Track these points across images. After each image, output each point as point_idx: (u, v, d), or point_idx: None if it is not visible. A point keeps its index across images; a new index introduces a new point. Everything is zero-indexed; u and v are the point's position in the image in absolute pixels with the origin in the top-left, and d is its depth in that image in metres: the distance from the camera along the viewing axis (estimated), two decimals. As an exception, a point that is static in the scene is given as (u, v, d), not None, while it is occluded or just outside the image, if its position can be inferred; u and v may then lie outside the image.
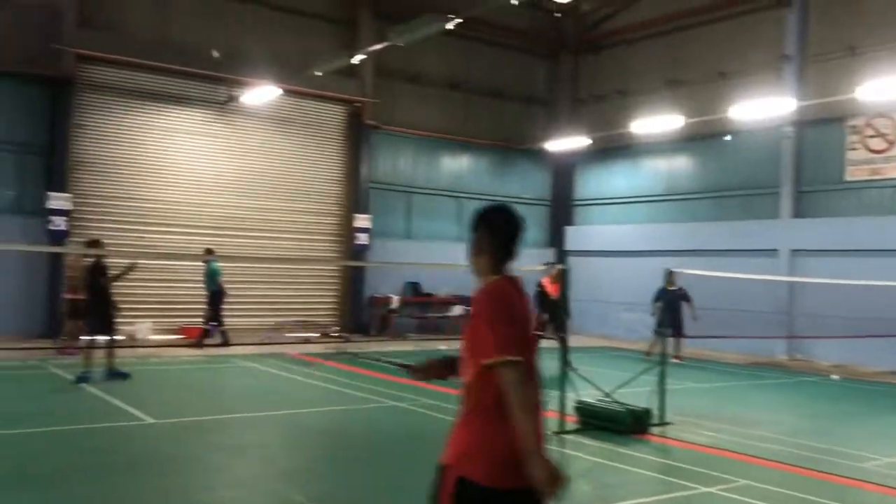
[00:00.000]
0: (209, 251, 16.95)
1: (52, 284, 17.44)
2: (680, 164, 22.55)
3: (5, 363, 13.37)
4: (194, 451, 7.96)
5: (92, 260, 11.93)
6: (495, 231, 3.40)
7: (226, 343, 17.07)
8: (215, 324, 17.27)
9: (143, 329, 17.94)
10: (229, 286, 18.30)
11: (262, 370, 13.98)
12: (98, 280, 11.64)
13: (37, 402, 10.35)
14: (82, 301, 12.25)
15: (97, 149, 18.29)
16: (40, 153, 17.68)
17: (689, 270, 13.59)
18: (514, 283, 3.37)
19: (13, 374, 12.49)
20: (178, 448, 8.00)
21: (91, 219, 17.99)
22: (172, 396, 11.13)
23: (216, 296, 17.30)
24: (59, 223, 17.21)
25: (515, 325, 3.19)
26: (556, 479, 2.97)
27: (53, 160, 17.57)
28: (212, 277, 17.24)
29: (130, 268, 12.22)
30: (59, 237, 17.10)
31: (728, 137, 20.59)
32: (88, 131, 18.16)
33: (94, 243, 12.21)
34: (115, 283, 11.96)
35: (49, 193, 17.26)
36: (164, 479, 6.75)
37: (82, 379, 11.35)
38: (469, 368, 3.25)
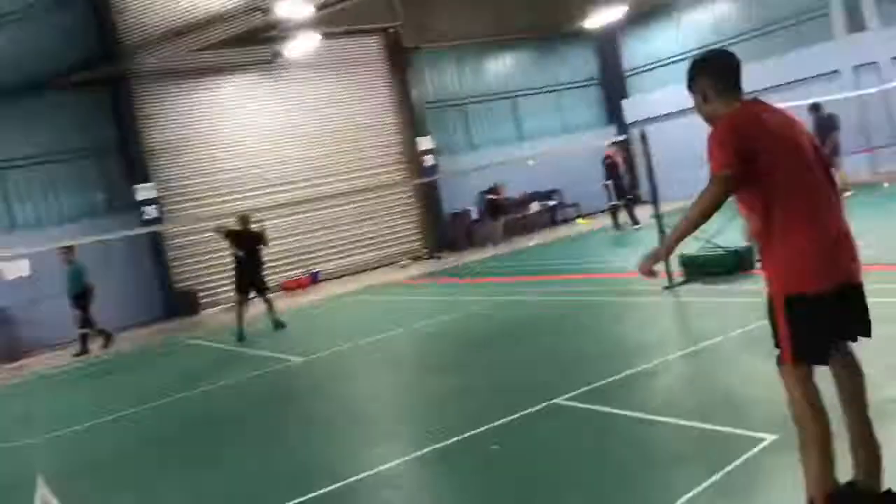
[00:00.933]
0: (70, 249, 14.59)
1: (158, 270, 18.67)
2: (722, 10, 22.24)
3: (150, 346, 14.63)
4: (350, 372, 8.89)
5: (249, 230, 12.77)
6: (715, 72, 3.56)
7: (108, 342, 14.91)
8: (88, 328, 14.91)
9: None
10: (313, 234, 19.31)
11: (374, 299, 14.92)
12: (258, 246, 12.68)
13: (194, 367, 11.46)
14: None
15: (164, 135, 19.11)
16: (117, 151, 18.64)
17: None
18: (755, 106, 3.51)
19: (163, 352, 13.72)
20: (336, 373, 8.93)
21: (178, 200, 19.04)
22: (303, 338, 12.05)
23: (83, 297, 14.83)
24: (151, 212, 18.27)
25: (740, 145, 3.30)
26: (649, 269, 3.53)
27: (130, 154, 18.54)
28: (76, 279, 14.79)
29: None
30: (153, 225, 18.14)
31: None
32: (154, 119, 18.99)
33: (245, 219, 12.96)
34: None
35: (135, 187, 18.30)
36: (336, 397, 7.66)
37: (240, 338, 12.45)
38: (744, 208, 3.51)
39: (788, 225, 3.32)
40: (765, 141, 3.35)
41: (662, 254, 3.51)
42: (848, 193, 15.06)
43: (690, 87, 3.63)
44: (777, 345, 3.45)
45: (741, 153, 3.29)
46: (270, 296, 13.14)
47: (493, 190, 21.58)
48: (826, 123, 15.30)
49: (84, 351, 14.73)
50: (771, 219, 3.35)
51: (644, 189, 18.89)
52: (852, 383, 3.52)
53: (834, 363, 3.53)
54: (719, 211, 3.33)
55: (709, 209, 3.32)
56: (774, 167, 3.32)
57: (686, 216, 3.37)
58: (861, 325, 3.49)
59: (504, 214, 21.82)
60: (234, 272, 12.98)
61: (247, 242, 12.64)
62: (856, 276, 3.42)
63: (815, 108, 15.54)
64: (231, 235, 12.73)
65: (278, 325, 12.84)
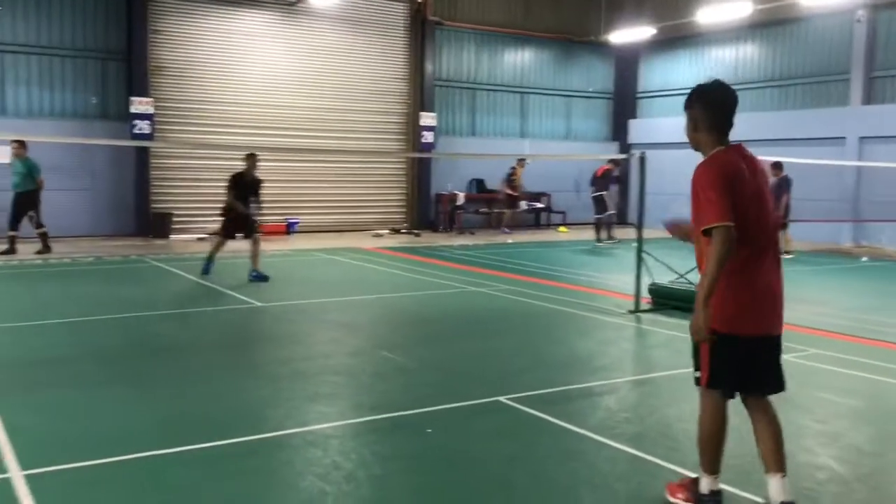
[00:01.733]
0: (22, 143, 14.31)
1: (138, 187, 18.49)
2: (746, 53, 22.28)
3: (113, 259, 14.48)
4: (305, 328, 8.84)
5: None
6: (711, 106, 3.68)
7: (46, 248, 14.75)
8: (41, 227, 14.84)
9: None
10: (298, 184, 19.21)
11: (345, 261, 14.86)
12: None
13: (151, 289, 11.36)
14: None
15: (174, 53, 18.93)
16: (121, 59, 18.45)
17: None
18: (738, 152, 3.66)
19: (123, 267, 13.59)
20: (291, 325, 8.89)
21: (173, 122, 18.82)
22: (269, 285, 11.96)
23: (35, 195, 14.63)
24: (143, 127, 18.07)
25: (730, 192, 3.48)
26: (700, 332, 3.55)
27: (133, 66, 18.31)
28: (29, 175, 14.53)
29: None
30: (143, 140, 17.98)
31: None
32: (164, 36, 18.77)
33: (254, 157, 11.88)
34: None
35: (132, 98, 18.09)
36: (287, 349, 7.63)
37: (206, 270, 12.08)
38: (698, 238, 3.65)
39: (735, 269, 3.54)
40: (740, 190, 3.55)
41: (702, 318, 3.53)
42: (789, 256, 15.29)
43: (686, 108, 3.78)
44: (696, 367, 3.81)
45: (731, 199, 3.48)
46: (259, 237, 11.93)
47: (511, 182, 21.46)
48: (781, 184, 15.61)
49: (11, 251, 14.35)
50: None
51: (633, 212, 18.94)
52: (768, 433, 3.75)
53: (754, 413, 3.83)
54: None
55: (724, 259, 3.46)
56: (743, 217, 3.52)
57: (708, 273, 3.50)
58: (772, 377, 3.76)
59: (514, 207, 21.83)
60: (221, 212, 12.01)
61: (248, 188, 11.74)
62: (777, 328, 3.74)
63: (777, 166, 15.72)
64: (234, 181, 11.66)
65: (259, 276, 11.68)
